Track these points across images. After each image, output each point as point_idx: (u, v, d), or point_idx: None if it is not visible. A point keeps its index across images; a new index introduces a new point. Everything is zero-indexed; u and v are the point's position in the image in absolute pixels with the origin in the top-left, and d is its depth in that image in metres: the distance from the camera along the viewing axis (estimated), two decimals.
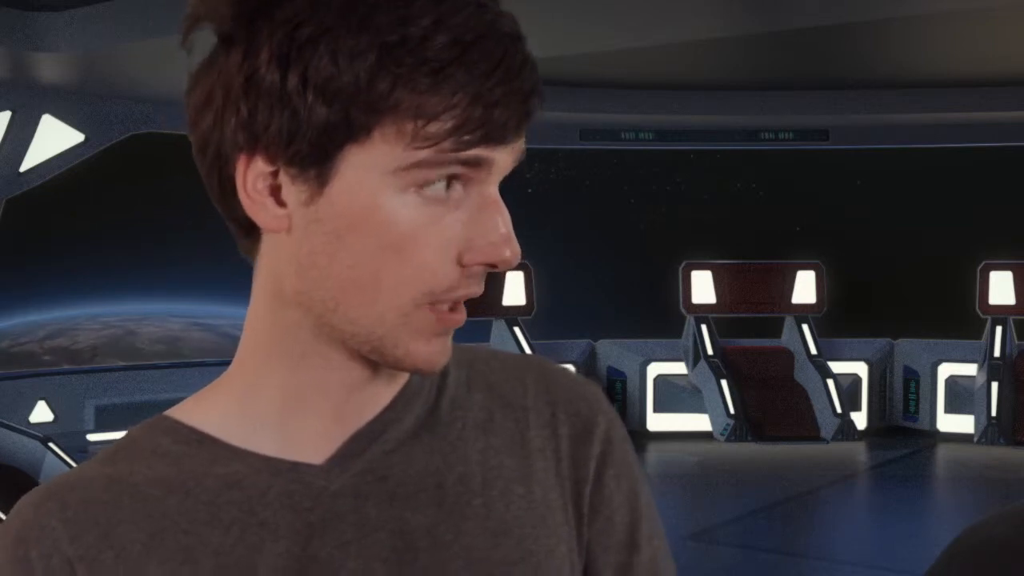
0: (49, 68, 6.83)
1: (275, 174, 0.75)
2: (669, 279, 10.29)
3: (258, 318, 0.81)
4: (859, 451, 9.23)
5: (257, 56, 0.72)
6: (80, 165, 7.87)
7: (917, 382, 9.91)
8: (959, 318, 9.89)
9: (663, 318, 10.37)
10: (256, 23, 0.73)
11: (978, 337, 9.66)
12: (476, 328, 9.46)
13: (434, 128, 0.72)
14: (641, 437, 9.46)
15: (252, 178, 0.75)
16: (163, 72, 6.08)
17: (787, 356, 9.92)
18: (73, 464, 4.64)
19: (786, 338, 10.06)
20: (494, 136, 0.73)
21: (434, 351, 0.78)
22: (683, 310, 10.05)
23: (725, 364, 9.64)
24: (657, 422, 9.80)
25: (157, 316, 16.15)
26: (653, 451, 9.23)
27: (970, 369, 9.57)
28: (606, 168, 13.44)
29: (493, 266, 0.76)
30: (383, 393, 0.83)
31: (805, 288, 10.12)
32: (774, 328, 10.20)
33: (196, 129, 0.77)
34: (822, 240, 11.21)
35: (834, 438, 9.28)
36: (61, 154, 7.66)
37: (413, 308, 0.76)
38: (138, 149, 8.48)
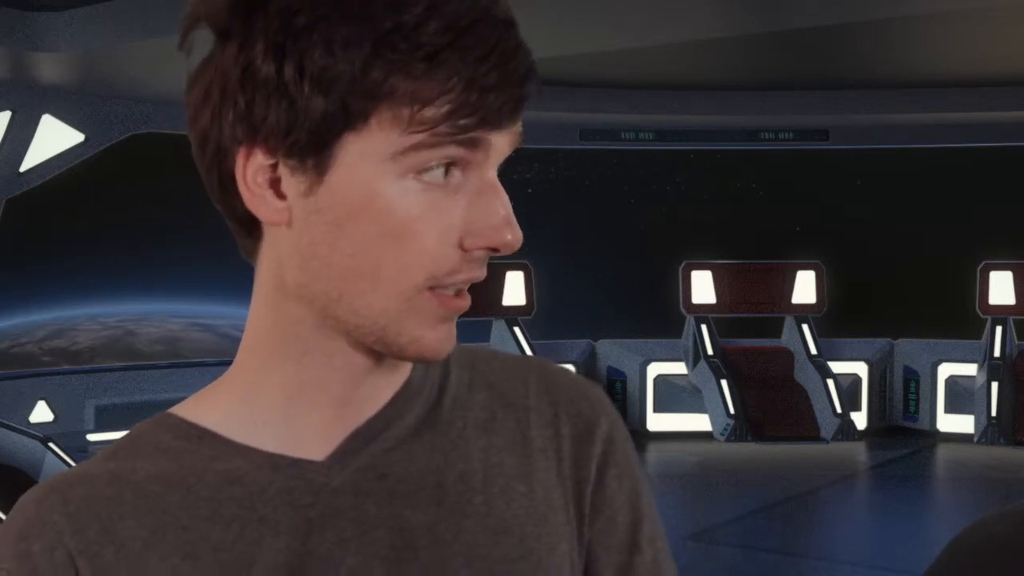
0: (49, 68, 6.83)
1: (274, 167, 0.75)
2: (669, 279, 10.29)
3: (260, 316, 0.81)
4: (859, 451, 9.22)
5: (253, 48, 0.73)
6: (80, 165, 7.87)
7: (917, 382, 9.90)
8: (959, 318, 9.89)
9: (663, 318, 10.37)
10: (251, 16, 0.73)
11: (978, 337, 9.66)
12: (476, 328, 9.45)
13: (430, 113, 0.72)
14: (641, 437, 9.46)
15: (252, 171, 0.75)
16: (163, 72, 6.09)
17: (787, 356, 9.91)
18: (73, 464, 4.63)
19: (786, 338, 10.06)
20: (490, 120, 0.74)
21: (439, 337, 0.78)
22: (683, 310, 10.05)
23: (725, 364, 9.63)
24: (657, 422, 9.80)
25: (157, 316, 16.13)
26: (653, 451, 9.23)
27: (970, 369, 9.57)
28: (606, 168, 13.43)
29: (495, 250, 0.76)
30: (385, 391, 0.83)
31: (805, 288, 10.12)
32: (774, 328, 10.20)
33: (195, 126, 0.77)
34: (822, 240, 11.20)
35: (834, 438, 9.28)
36: (61, 154, 7.66)
37: (416, 294, 0.76)
38: (138, 149, 8.49)
